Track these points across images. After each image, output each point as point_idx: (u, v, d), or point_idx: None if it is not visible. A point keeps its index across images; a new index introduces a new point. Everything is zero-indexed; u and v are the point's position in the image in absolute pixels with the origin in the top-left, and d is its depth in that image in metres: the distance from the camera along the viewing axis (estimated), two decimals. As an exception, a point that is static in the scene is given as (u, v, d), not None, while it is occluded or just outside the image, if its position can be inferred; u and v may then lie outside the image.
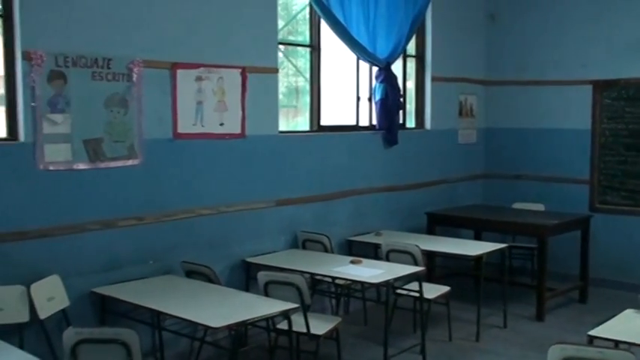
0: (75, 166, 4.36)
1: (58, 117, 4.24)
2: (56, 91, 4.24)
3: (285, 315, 4.11)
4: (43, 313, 4.04)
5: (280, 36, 5.71)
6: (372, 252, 5.97)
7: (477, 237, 6.95)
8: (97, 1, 4.41)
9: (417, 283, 5.08)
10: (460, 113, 7.71)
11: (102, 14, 4.44)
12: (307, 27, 6.14)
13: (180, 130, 4.91)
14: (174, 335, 4.71)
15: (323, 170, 6.06)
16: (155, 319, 4.61)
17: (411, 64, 7.25)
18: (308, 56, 6.16)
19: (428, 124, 7.32)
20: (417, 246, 5.24)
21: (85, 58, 4.35)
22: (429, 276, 5.94)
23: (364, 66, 6.57)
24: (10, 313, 3.96)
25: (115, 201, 4.59)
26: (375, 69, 6.56)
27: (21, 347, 3.72)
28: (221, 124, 5.16)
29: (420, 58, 7.28)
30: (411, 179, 7.00)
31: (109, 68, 4.47)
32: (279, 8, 5.63)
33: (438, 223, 6.75)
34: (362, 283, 5.03)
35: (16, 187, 4.11)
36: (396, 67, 6.73)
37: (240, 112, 5.29)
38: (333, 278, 5.16)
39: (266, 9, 5.48)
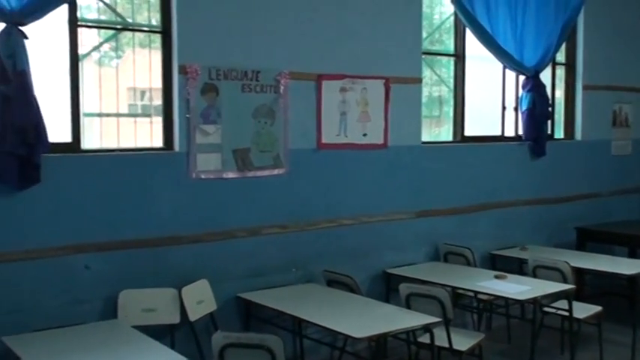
0: (224, 175, 4.53)
1: (210, 128, 4.43)
2: (209, 103, 4.43)
3: (427, 328, 4.05)
4: (193, 316, 4.22)
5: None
6: (517, 267, 5.76)
7: (632, 255, 6.52)
8: (246, 17, 4.57)
9: (565, 301, 4.84)
10: (614, 123, 7.29)
11: (251, 29, 4.58)
12: (451, 36, 6.05)
13: (324, 140, 4.97)
14: (315, 343, 4.77)
15: (466, 181, 5.93)
16: (297, 327, 4.69)
17: (561, 72, 6.95)
18: (450, 65, 6.06)
19: (578, 135, 6.97)
20: (566, 262, 5.00)
21: (235, 71, 4.51)
22: (579, 294, 5.61)
23: (510, 75, 6.38)
24: (163, 315, 4.17)
25: (261, 209, 4.72)
26: (522, 78, 6.35)
27: (172, 347, 3.91)
28: (364, 135, 5.18)
29: (570, 65, 6.96)
30: (560, 192, 6.69)
31: (257, 80, 4.61)
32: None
33: (589, 239, 6.41)
34: (507, 299, 4.86)
35: (171, 194, 4.32)
36: (544, 76, 6.46)
37: (383, 123, 5.28)
38: (476, 293, 5.01)
39: (410, 19, 5.45)
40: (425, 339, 4.21)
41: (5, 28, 3.63)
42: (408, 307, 4.35)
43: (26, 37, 3.68)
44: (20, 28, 3.66)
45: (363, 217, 5.23)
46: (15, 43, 3.62)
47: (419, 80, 5.54)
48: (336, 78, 5.00)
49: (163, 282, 4.24)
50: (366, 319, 4.04)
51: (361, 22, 5.13)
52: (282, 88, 4.72)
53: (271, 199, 4.75)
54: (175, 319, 4.19)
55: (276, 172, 4.76)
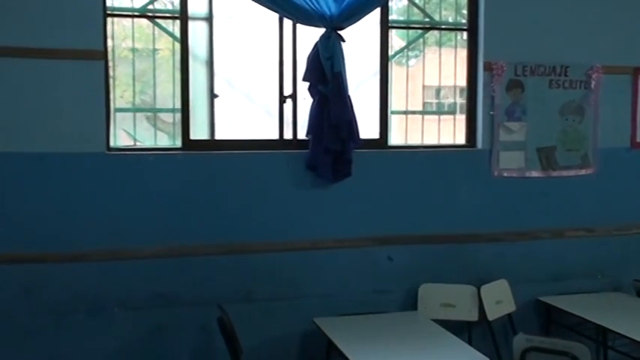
0: (527, 174, 4.42)
1: (514, 125, 4.36)
2: (513, 100, 4.35)
3: None
4: (491, 315, 4.19)
5: None
6: None
7: None
8: (554, 10, 4.40)
9: None
10: None
11: (560, 22, 4.41)
12: None
13: (639, 138, 4.61)
14: (621, 356, 4.43)
15: None
16: (601, 337, 4.41)
17: None
18: None
19: None
20: None
21: (542, 66, 4.38)
22: None
23: None
24: (462, 311, 4.21)
25: (565, 210, 4.53)
26: None
27: (469, 344, 3.91)
28: (684, 133, 4.70)
29: None
30: None
31: (566, 75, 4.43)
32: None
33: None
34: None
35: (473, 192, 4.34)
36: None
37: None
38: None
39: None
40: None
41: (325, 32, 3.92)
42: None
43: (343, 40, 3.94)
44: (338, 32, 3.93)
45: (680, 224, 4.75)
46: (333, 46, 3.90)
47: None
48: (656, 71, 4.60)
49: (462, 278, 4.27)
50: (684, 337, 3.66)
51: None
52: (593, 83, 4.47)
53: (577, 200, 4.53)
54: (474, 316, 4.20)
55: (583, 171, 4.52)
